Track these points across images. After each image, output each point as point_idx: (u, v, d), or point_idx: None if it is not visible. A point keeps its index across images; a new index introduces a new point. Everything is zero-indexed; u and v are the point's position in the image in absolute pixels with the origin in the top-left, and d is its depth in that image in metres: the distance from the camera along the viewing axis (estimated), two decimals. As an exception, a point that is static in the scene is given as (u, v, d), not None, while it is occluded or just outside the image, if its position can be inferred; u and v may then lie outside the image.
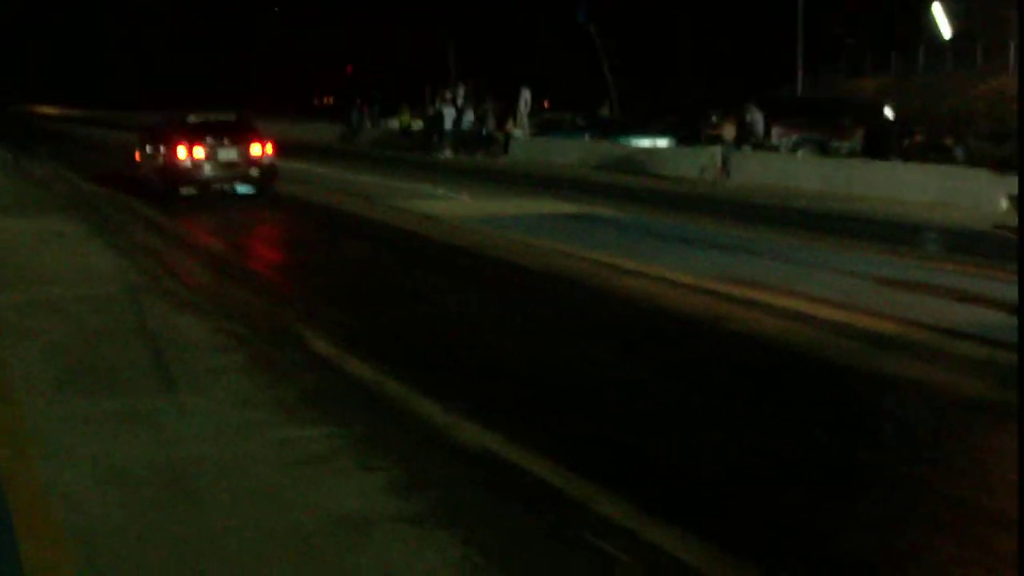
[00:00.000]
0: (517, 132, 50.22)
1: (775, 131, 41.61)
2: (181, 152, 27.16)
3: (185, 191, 27.22)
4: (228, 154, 27.62)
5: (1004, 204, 27.01)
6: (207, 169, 27.39)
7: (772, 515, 7.59)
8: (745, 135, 40.52)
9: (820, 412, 10.17)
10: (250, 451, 8.57)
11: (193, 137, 27.49)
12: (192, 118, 29.00)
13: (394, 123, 60.81)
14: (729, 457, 8.82)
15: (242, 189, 27.86)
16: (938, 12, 62.49)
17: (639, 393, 10.69)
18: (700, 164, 37.32)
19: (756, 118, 41.03)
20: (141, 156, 30.77)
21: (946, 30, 62.45)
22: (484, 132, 51.29)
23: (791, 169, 36.26)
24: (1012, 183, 26.42)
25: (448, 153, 50.11)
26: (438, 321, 13.99)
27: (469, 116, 52.65)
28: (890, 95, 52.80)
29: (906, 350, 12.23)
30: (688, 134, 45.36)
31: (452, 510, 7.42)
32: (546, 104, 62.97)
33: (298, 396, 10.13)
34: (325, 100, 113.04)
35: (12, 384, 10.52)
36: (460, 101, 53.41)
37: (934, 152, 37.36)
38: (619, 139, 47.27)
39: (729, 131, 37.40)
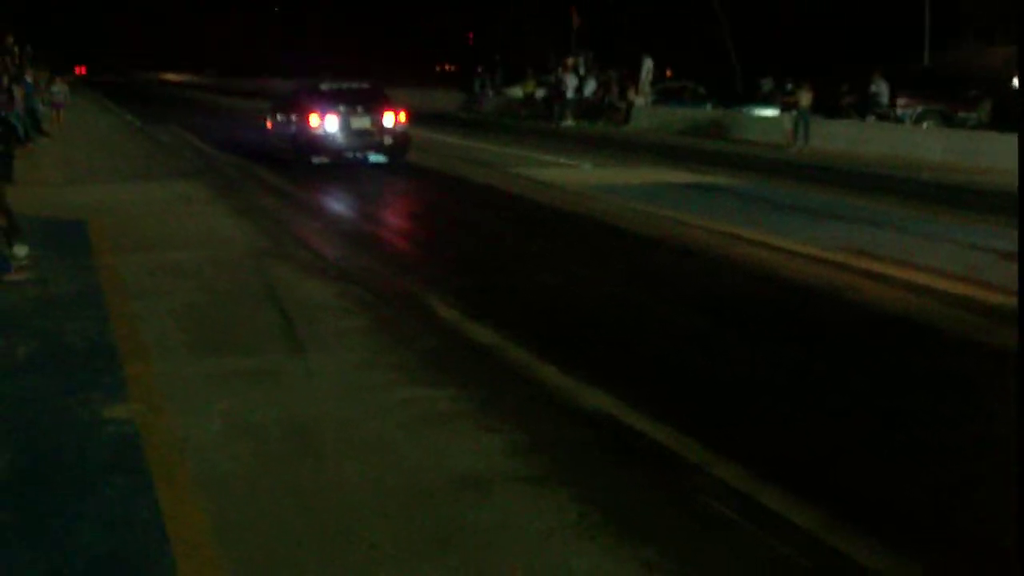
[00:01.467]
0: (639, 100, 50.06)
1: (900, 102, 41.13)
2: (314, 120, 26.99)
3: (317, 160, 27.14)
4: (361, 122, 27.45)
5: None
6: (340, 138, 27.22)
7: (887, 483, 7.66)
8: (870, 105, 40.30)
9: (939, 383, 10.18)
10: (373, 410, 8.78)
11: (326, 105, 27.33)
12: (325, 86, 29.16)
13: (516, 91, 60.77)
14: (844, 428, 8.88)
15: (374, 158, 27.77)
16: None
17: (759, 364, 10.71)
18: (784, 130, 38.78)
19: (881, 89, 40.61)
20: (272, 124, 30.92)
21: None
22: (606, 100, 51.22)
23: (916, 140, 35.90)
24: None
25: (570, 121, 50.05)
26: (557, 289, 14.08)
27: (591, 84, 52.61)
28: (1019, 65, 51.89)
29: (1026, 323, 12.14)
30: (816, 104, 45.00)
31: (569, 471, 7.57)
32: (668, 73, 62.59)
33: (420, 359, 10.32)
34: (448, 67, 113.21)
35: (146, 343, 10.82)
36: (582, 69, 53.39)
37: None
38: (742, 108, 46.97)
39: (805, 98, 37.58)
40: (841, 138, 37.53)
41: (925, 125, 39.15)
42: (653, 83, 52.35)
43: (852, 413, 9.21)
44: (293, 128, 28.11)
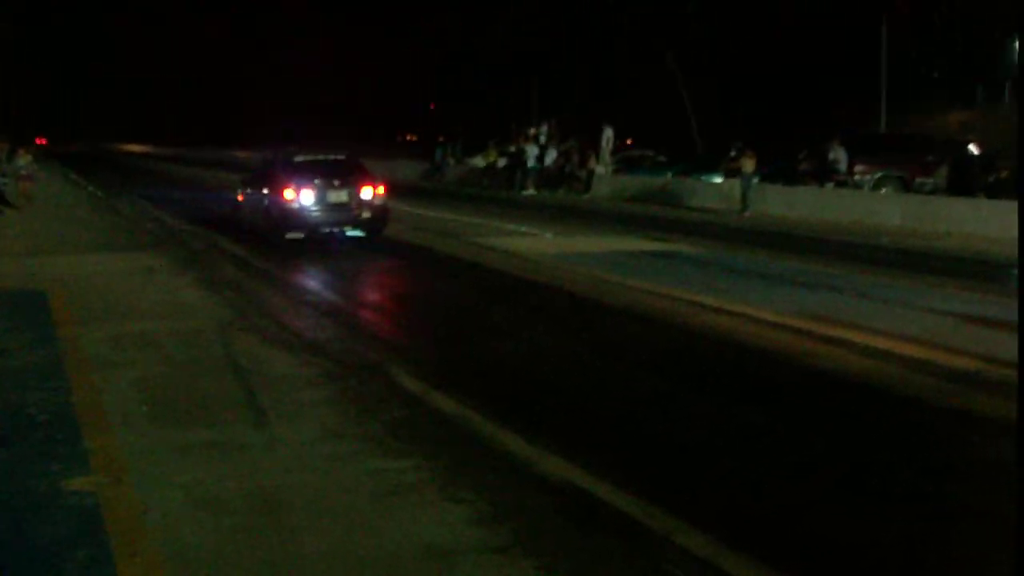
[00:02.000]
0: (600, 169, 50.34)
1: (858, 168, 41.44)
2: (288, 194, 25.52)
3: (291, 235, 25.64)
4: (338, 196, 26.01)
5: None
6: (316, 212, 25.72)
7: (852, 542, 7.70)
8: (828, 172, 40.60)
9: (899, 445, 10.24)
10: (339, 481, 8.76)
11: (301, 178, 25.95)
12: (300, 158, 27.75)
13: (478, 160, 61.02)
14: (807, 491, 8.93)
15: (351, 233, 26.35)
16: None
17: (722, 430, 10.77)
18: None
19: (839, 155, 40.92)
20: (244, 197, 29.54)
21: (1031, 65, 61.81)
22: (567, 169, 51.45)
23: (874, 206, 36.18)
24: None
25: (532, 190, 50.32)
26: (521, 358, 14.13)
27: (552, 153, 52.86)
28: (975, 130, 52.45)
29: (984, 386, 12.25)
30: (772, 172, 45.32)
31: (533, 540, 7.57)
32: (629, 141, 63.00)
33: (385, 429, 10.30)
34: (409, 137, 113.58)
35: (107, 415, 10.76)
36: (543, 139, 53.63)
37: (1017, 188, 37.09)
38: (701, 176, 47.25)
39: (748, 164, 38.62)
40: (800, 205, 37.82)
41: (883, 191, 39.47)
42: (614, 152, 52.70)
43: (810, 475, 9.26)
44: (266, 201, 26.68)
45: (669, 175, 49.23)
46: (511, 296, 19.72)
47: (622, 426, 10.84)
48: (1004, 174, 39.65)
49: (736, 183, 40.03)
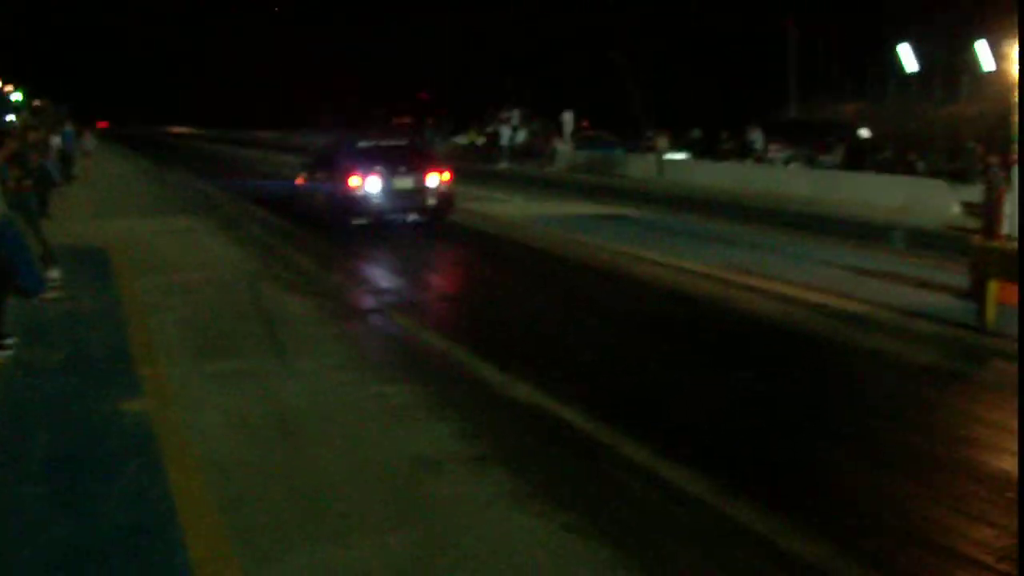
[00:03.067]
0: (562, 146, 50.38)
1: (772, 147, 41.57)
2: (354, 181, 21.22)
3: (357, 221, 21.31)
4: (404, 183, 21.67)
5: (956, 209, 26.90)
6: (382, 199, 21.44)
7: (766, 455, 7.77)
8: (748, 150, 40.75)
9: (803, 375, 10.31)
10: (345, 403, 8.79)
11: (367, 165, 21.62)
12: (363, 144, 23.21)
13: (462, 139, 60.90)
14: (724, 407, 8.99)
15: (414, 218, 22.22)
16: (905, 50, 62.18)
17: (661, 362, 10.78)
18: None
19: (757, 136, 41.06)
20: (305, 182, 24.54)
21: (911, 65, 62.12)
22: (535, 147, 51.44)
23: (785, 178, 36.25)
24: (963, 192, 26.36)
25: (505, 164, 50.31)
26: (496, 301, 14.13)
27: (523, 134, 52.89)
28: (865, 118, 52.58)
29: (873, 326, 12.34)
30: (704, 149, 45.40)
31: (506, 451, 7.63)
32: (586, 123, 62.82)
33: (383, 361, 10.33)
34: (404, 120, 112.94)
35: (156, 349, 10.76)
36: (515, 121, 53.65)
37: (901, 166, 37.21)
38: (645, 153, 47.30)
39: (662, 142, 41.48)
40: (725, 177, 37.83)
41: (792, 166, 39.50)
42: (573, 132, 52.74)
43: (731, 398, 9.31)
44: (331, 188, 22.18)
45: (615, 151, 49.22)
46: (487, 252, 19.67)
47: (581, 359, 10.84)
48: (888, 154, 39.84)
49: (654, 156, 41.82)
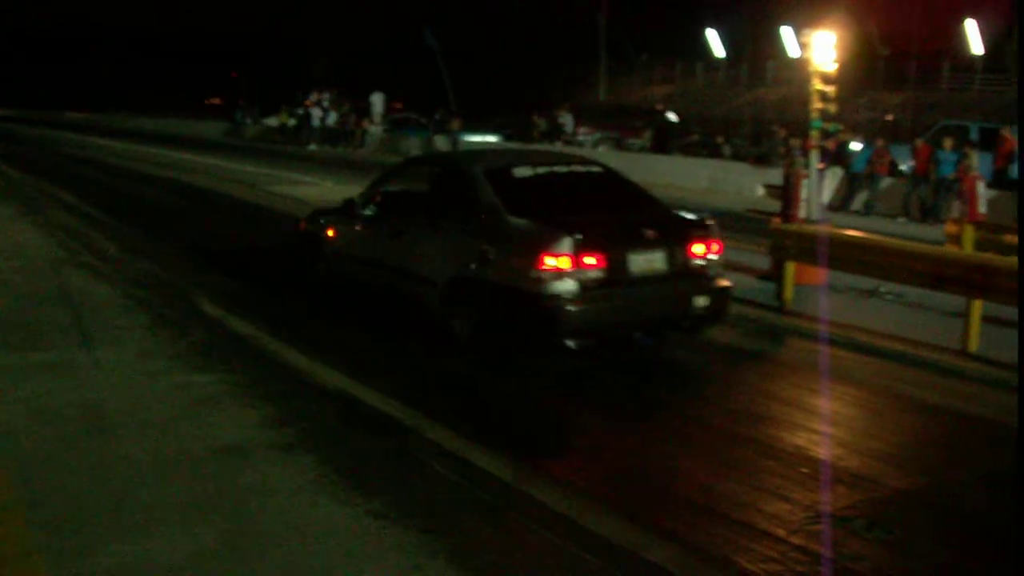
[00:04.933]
0: (371, 129, 50.30)
1: (581, 130, 42.27)
2: (558, 259, 9.66)
3: (569, 343, 9.93)
4: (651, 261, 10.28)
5: (760, 191, 27.80)
6: (620, 298, 10.01)
7: (567, 437, 8.02)
8: (558, 133, 41.34)
9: (609, 356, 10.56)
10: (152, 394, 8.72)
11: (565, 220, 10.07)
12: (523, 169, 11.32)
13: (272, 121, 60.24)
14: (531, 390, 9.22)
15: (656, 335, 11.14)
16: (712, 35, 63.76)
17: (459, 348, 10.99)
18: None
19: (567, 120, 41.67)
20: (361, 235, 12.63)
21: (719, 50, 63.76)
22: (344, 129, 51.24)
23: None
24: (767, 174, 27.26)
25: (315, 146, 50.05)
26: (302, 287, 14.08)
27: (333, 116, 52.63)
28: (673, 102, 53.77)
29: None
30: (512, 133, 45.87)
31: (314, 438, 7.70)
32: (398, 105, 62.80)
33: (191, 349, 10.25)
34: (215, 101, 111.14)
35: (-45, 341, 10.51)
36: (325, 103, 53.34)
37: (707, 149, 38.28)
38: (458, 135, 47.58)
39: (456, 124, 42.60)
40: (535, 159, 38.32)
41: (601, 148, 40.23)
42: (384, 114, 52.73)
43: (539, 384, 9.54)
44: (479, 266, 10.34)
45: (426, 135, 49.42)
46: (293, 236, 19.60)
47: (389, 344, 10.99)
48: (695, 138, 40.89)
49: (444, 137, 43.38)
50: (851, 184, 26.80)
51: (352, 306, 12.79)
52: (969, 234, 13.39)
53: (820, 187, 22.93)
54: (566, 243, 9.59)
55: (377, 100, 51.52)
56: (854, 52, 35.56)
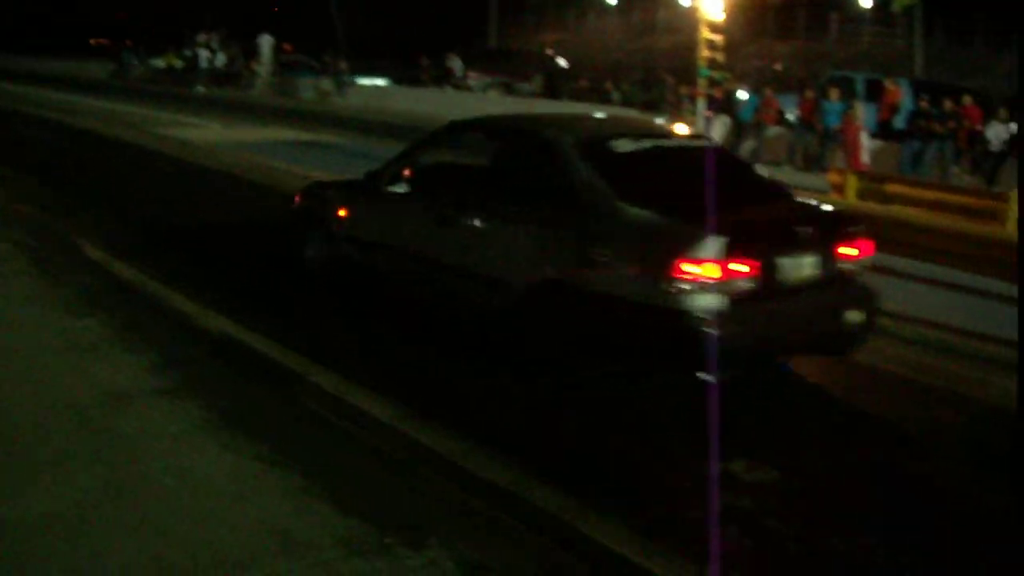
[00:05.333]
0: (261, 70, 49.73)
1: (471, 75, 42.19)
2: (703, 266, 7.24)
3: (715, 376, 7.16)
4: (805, 267, 7.99)
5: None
6: (776, 318, 7.78)
7: (451, 381, 8.04)
8: (448, 78, 41.22)
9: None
10: (33, 340, 8.53)
11: (697, 211, 7.46)
12: (624, 142, 9.01)
13: (159, 62, 59.20)
14: (416, 343, 9.22)
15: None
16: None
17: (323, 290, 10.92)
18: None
19: (456, 64, 41.54)
20: (366, 229, 10.38)
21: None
22: (233, 71, 50.61)
23: (484, 105, 36.75)
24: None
25: (202, 88, 49.27)
26: (188, 230, 13.88)
27: (221, 57, 51.93)
28: (564, 48, 53.78)
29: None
30: (402, 76, 45.68)
31: (198, 383, 7.62)
32: (289, 48, 62.00)
33: (73, 294, 10.04)
34: (100, 41, 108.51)
35: None
36: (214, 44, 52.58)
37: (596, 95, 38.41)
38: (347, 78, 47.18)
39: (343, 65, 43.93)
40: (425, 103, 38.16)
41: (490, 93, 40.19)
42: (274, 57, 52.07)
43: (427, 337, 9.54)
44: (590, 271, 7.82)
45: (319, 77, 48.97)
46: (180, 178, 19.37)
47: (276, 290, 10.89)
48: (584, 84, 40.99)
49: (332, 80, 44.85)
50: (738, 132, 27.09)
51: (232, 251, 12.66)
52: (852, 183, 13.64)
53: (707, 134, 23.27)
54: (711, 245, 7.20)
55: (265, 42, 50.75)
56: (743, 1, 35.82)
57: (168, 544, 5.20)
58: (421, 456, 6.52)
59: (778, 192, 9.11)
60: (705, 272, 7.15)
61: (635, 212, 7.73)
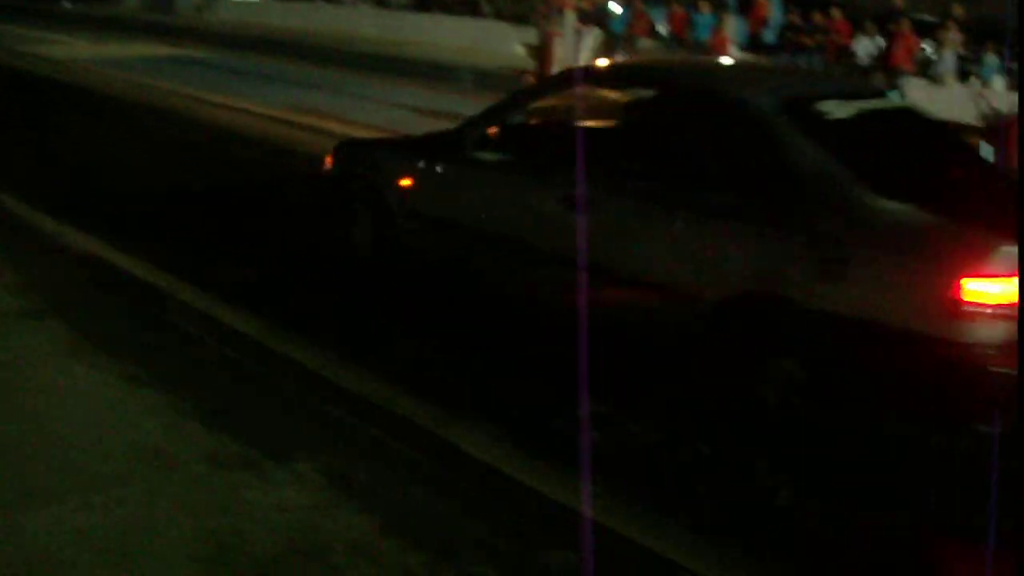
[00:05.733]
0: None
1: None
2: (997, 286, 5.05)
3: (991, 428, 4.98)
4: None
5: (520, 50, 27.90)
6: None
7: (313, 299, 7.99)
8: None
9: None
10: None
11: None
12: (830, 107, 6.50)
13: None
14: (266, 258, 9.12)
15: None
16: None
17: (226, 208, 10.68)
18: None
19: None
20: (448, 209, 7.66)
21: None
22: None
23: (353, 17, 36.40)
24: (526, 34, 27.33)
25: (68, 4, 47.96)
26: (54, 150, 13.54)
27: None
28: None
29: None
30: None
31: (64, 304, 7.50)
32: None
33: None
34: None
35: None
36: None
37: (468, 7, 38.07)
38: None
39: None
40: (294, 17, 37.60)
41: (361, 7, 39.60)
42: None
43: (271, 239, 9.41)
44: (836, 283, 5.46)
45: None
46: (47, 97, 18.83)
47: (139, 207, 10.62)
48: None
49: None
50: (610, 45, 27.12)
51: (94, 167, 12.40)
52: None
53: (578, 47, 23.39)
54: (1004, 256, 5.07)
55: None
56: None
57: (38, 466, 5.14)
58: (288, 369, 6.47)
59: (982, 164, 7.61)
60: (999, 292, 5.11)
61: (890, 207, 5.55)
